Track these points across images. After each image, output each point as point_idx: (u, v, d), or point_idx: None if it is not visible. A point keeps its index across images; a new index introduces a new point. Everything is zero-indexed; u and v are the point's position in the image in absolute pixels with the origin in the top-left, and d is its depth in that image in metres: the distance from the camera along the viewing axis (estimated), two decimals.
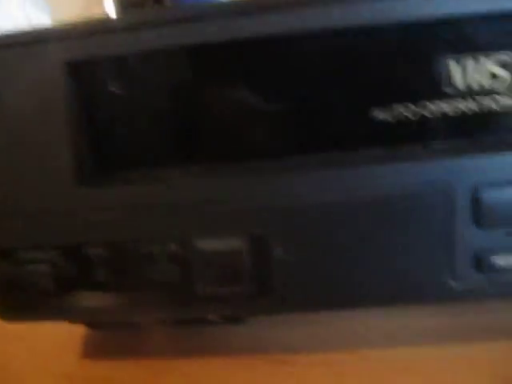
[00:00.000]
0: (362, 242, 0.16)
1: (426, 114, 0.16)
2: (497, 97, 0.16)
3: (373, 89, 0.17)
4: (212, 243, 0.17)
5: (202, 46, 0.16)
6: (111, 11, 0.82)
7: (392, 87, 0.17)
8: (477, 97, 0.16)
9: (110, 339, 0.22)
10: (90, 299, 0.19)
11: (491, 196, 0.16)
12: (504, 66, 0.16)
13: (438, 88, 0.16)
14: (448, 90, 0.16)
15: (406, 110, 0.17)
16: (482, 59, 0.16)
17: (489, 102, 0.16)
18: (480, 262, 0.16)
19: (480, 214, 0.16)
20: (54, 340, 0.22)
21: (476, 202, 0.16)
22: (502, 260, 0.16)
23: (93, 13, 0.94)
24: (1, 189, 0.18)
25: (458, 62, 0.16)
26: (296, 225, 0.16)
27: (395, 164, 0.16)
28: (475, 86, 0.16)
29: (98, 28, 0.17)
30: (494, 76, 0.16)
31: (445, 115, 0.16)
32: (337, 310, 0.19)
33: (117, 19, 0.17)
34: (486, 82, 0.16)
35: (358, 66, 0.17)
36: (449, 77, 0.16)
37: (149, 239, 0.17)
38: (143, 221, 0.17)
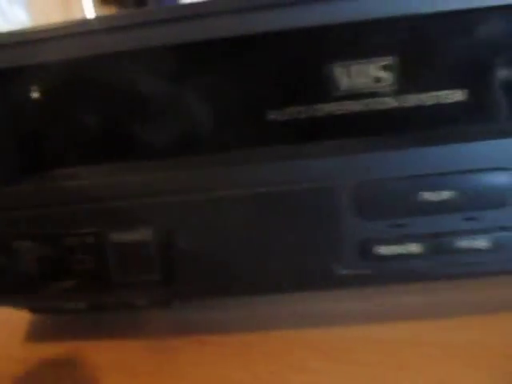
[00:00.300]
0: (257, 234, 0.18)
1: (316, 114, 0.18)
2: (380, 98, 0.18)
3: (268, 93, 0.18)
4: (124, 236, 0.19)
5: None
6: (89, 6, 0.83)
7: (285, 91, 0.18)
8: (362, 98, 0.18)
9: (52, 323, 0.24)
10: (25, 288, 0.21)
11: (373, 191, 0.18)
12: (386, 69, 0.17)
13: (326, 91, 0.18)
14: (335, 93, 0.18)
15: (298, 112, 0.18)
16: (365, 64, 0.17)
17: (373, 103, 0.18)
18: (365, 252, 0.18)
19: (363, 207, 0.18)
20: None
21: (360, 197, 0.18)
22: (384, 249, 0.18)
23: (71, 8, 0.94)
24: None
25: (343, 67, 0.17)
26: (196, 218, 0.18)
27: (288, 162, 0.18)
28: (360, 89, 0.18)
29: (21, 38, 0.19)
30: (377, 79, 0.18)
31: (332, 116, 0.18)
32: (235, 297, 0.20)
33: (36, 30, 0.18)
34: (370, 85, 0.18)
35: (254, 72, 0.18)
36: (335, 81, 0.18)
37: (67, 233, 0.19)
38: (62, 216, 0.19)
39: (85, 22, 0.19)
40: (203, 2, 0.18)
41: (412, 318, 0.20)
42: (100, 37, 0.18)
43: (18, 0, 0.74)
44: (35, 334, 0.24)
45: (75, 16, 0.94)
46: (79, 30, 0.18)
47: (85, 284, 0.20)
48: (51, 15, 0.91)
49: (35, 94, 0.19)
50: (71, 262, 0.19)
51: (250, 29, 0.17)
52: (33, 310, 0.24)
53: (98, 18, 0.22)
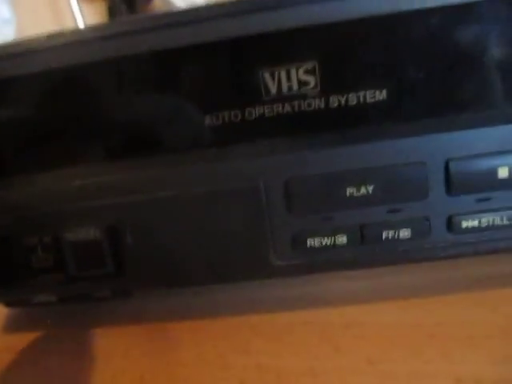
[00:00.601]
0: (197, 230, 0.20)
1: (249, 117, 0.19)
2: (306, 100, 0.19)
3: (205, 98, 0.20)
4: (78, 234, 0.20)
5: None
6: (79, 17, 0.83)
7: (220, 96, 0.19)
8: (289, 101, 0.19)
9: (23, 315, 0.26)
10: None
11: (301, 187, 0.19)
12: (309, 73, 0.19)
13: (257, 95, 0.19)
14: (265, 96, 0.19)
15: (233, 116, 0.19)
16: (291, 69, 0.19)
17: (300, 105, 0.19)
18: (297, 244, 0.19)
19: (293, 203, 0.19)
20: None
21: (289, 193, 0.19)
22: (314, 242, 0.19)
23: (58, 4, 0.95)
24: None
25: (271, 73, 0.19)
26: (141, 217, 0.20)
27: (222, 162, 0.19)
28: (287, 92, 0.19)
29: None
30: (302, 83, 0.19)
31: (264, 118, 0.19)
32: (182, 287, 0.22)
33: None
34: (296, 88, 0.19)
35: (191, 80, 0.20)
36: (265, 86, 0.19)
37: (28, 234, 0.21)
38: (23, 219, 0.21)
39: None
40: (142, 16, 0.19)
41: (349, 301, 0.22)
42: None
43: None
44: (12, 326, 0.26)
45: (62, 12, 0.95)
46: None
47: (47, 279, 0.21)
48: (38, 12, 0.92)
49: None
50: (33, 261, 0.21)
51: (188, 40, 0.19)
52: (7, 304, 0.26)
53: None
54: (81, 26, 0.85)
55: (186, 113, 0.20)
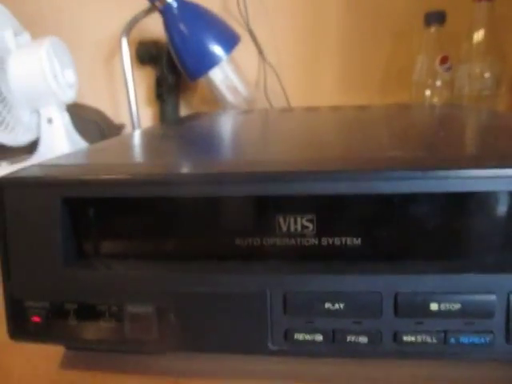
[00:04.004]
0: (220, 319, 0.28)
1: (265, 244, 0.28)
2: (305, 238, 0.28)
3: (237, 227, 0.29)
4: (135, 308, 0.29)
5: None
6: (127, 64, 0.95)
7: (248, 227, 0.29)
8: (294, 237, 0.28)
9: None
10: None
11: (294, 299, 0.27)
12: (309, 221, 0.28)
13: (272, 231, 0.28)
14: (278, 232, 0.28)
15: (254, 241, 0.28)
16: (297, 217, 0.28)
17: (301, 241, 0.28)
18: (287, 336, 0.28)
19: (287, 309, 0.28)
20: None
21: (286, 302, 0.28)
22: (299, 336, 0.28)
23: (113, 70, 1.08)
24: None
25: (284, 217, 0.28)
26: (181, 303, 0.28)
27: (240, 273, 0.28)
28: (293, 231, 0.28)
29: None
30: (304, 227, 0.28)
31: (275, 246, 0.28)
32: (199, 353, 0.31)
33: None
34: (299, 229, 0.28)
35: (230, 213, 0.29)
36: (279, 225, 0.28)
37: (101, 303, 0.29)
38: (100, 292, 0.29)
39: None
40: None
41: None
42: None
43: (69, 65, 0.86)
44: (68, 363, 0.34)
45: (116, 76, 1.08)
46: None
47: (108, 336, 0.30)
48: (95, 75, 1.05)
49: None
50: (101, 322, 0.30)
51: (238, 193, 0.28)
52: (68, 347, 0.34)
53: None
54: (131, 89, 0.97)
55: (224, 235, 0.29)
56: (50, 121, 0.81)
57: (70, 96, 0.81)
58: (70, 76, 0.83)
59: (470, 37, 0.88)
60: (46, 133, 0.82)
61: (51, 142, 0.82)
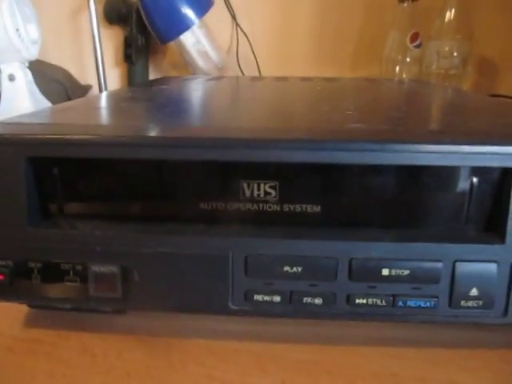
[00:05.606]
0: (182, 279, 0.29)
1: (229, 208, 0.29)
2: (268, 204, 0.29)
3: (201, 192, 0.29)
4: (99, 267, 0.29)
5: None
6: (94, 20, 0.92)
7: (212, 193, 0.29)
8: (257, 203, 0.29)
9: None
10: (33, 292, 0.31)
11: (254, 261, 0.29)
12: (272, 188, 0.29)
13: (236, 196, 0.29)
14: (242, 197, 0.29)
15: (219, 205, 0.29)
16: (260, 183, 0.29)
17: (264, 206, 0.29)
18: (247, 297, 0.29)
19: (247, 271, 0.29)
20: None
21: (246, 264, 0.29)
22: (258, 297, 0.29)
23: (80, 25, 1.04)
24: None
25: (248, 184, 0.29)
26: (145, 263, 0.29)
27: (207, 236, 0.29)
28: (257, 197, 0.29)
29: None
30: (266, 193, 0.29)
31: (239, 210, 0.29)
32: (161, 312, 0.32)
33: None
34: (262, 195, 0.29)
35: (194, 179, 0.29)
36: (243, 190, 0.29)
37: (66, 262, 0.30)
38: (64, 250, 0.30)
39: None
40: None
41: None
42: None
43: (32, 19, 0.82)
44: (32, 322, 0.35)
45: (83, 33, 1.04)
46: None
47: (72, 294, 0.30)
48: (60, 31, 1.01)
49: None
50: (65, 280, 0.30)
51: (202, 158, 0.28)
52: (31, 306, 0.35)
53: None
54: (98, 49, 0.94)
55: (188, 199, 0.29)
56: (11, 78, 0.78)
57: (32, 52, 0.78)
58: (33, 31, 0.80)
59: (443, 15, 0.89)
60: (8, 90, 0.79)
61: (12, 100, 0.79)
